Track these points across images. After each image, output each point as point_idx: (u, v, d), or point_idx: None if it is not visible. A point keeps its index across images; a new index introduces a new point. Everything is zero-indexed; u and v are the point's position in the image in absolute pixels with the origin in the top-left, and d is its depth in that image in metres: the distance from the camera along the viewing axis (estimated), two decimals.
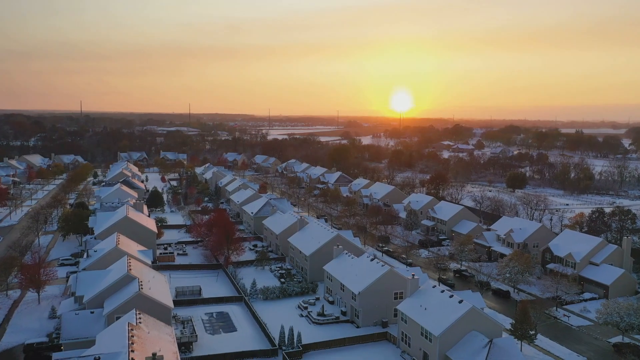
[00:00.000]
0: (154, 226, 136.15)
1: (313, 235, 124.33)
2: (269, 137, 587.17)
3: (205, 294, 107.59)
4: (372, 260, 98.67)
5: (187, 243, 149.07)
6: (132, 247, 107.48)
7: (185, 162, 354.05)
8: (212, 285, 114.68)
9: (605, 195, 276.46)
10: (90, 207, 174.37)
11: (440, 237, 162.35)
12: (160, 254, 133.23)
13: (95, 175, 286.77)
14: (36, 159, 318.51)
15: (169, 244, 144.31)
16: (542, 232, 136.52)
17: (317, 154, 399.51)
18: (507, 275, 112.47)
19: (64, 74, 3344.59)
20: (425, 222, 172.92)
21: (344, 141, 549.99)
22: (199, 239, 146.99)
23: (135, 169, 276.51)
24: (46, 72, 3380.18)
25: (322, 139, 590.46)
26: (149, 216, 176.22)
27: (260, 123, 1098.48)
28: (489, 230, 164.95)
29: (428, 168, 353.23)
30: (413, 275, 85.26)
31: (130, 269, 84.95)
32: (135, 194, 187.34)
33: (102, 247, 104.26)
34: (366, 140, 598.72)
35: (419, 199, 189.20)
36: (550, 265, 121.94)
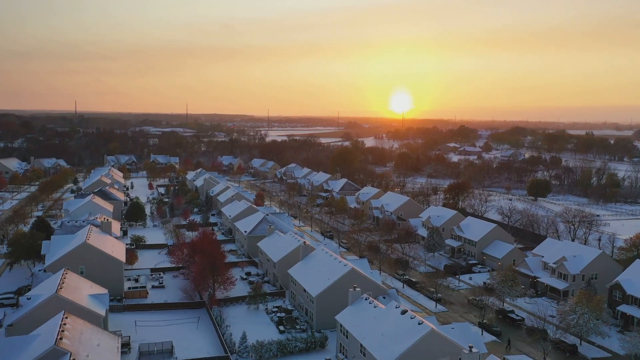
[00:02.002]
0: (123, 253, 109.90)
1: (320, 268, 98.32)
2: (268, 139, 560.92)
3: (180, 352, 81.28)
4: (403, 313, 72.64)
5: (165, 270, 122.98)
6: (82, 290, 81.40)
7: (177, 166, 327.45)
8: (191, 336, 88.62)
9: (634, 204, 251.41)
10: (56, 225, 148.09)
11: (470, 261, 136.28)
12: (129, 288, 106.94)
13: (76, 182, 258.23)
14: (12, 163, 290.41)
15: (140, 275, 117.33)
16: (602, 261, 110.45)
17: (318, 156, 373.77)
18: (573, 322, 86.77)
19: (63, 74, 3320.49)
20: (450, 241, 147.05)
21: (346, 143, 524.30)
22: (180, 266, 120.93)
23: (118, 175, 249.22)
24: (45, 72, 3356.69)
25: (323, 140, 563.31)
26: (125, 234, 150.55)
27: (259, 124, 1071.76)
28: (522, 248, 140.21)
29: (437, 172, 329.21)
30: (471, 347, 59.34)
31: (61, 338, 58.89)
32: (111, 207, 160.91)
33: (40, 292, 77.96)
34: (368, 142, 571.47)
35: (439, 213, 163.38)
36: (623, 308, 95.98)
